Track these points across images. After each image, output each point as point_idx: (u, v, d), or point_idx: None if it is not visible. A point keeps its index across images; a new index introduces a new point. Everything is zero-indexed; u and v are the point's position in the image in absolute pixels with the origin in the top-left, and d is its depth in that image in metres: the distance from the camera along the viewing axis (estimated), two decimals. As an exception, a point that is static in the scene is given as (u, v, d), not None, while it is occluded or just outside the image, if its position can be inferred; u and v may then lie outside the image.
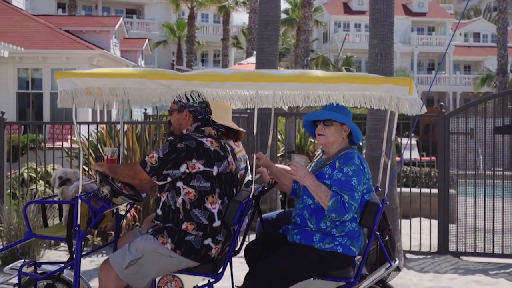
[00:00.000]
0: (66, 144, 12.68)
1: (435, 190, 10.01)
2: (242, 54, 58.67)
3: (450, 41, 8.55)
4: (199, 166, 4.61)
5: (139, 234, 5.10)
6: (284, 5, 40.27)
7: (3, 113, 10.01)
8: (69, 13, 38.93)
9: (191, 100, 4.79)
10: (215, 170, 4.66)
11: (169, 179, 4.65)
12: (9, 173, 10.76)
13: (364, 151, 10.13)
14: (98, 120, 21.73)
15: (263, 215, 5.34)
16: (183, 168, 4.61)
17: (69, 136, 16.09)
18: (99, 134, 11.61)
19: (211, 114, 4.93)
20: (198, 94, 4.77)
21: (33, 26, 24.33)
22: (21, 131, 17.21)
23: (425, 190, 10.32)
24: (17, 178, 11.24)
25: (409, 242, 9.44)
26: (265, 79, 4.63)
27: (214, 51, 58.05)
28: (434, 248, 9.49)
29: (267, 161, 5.21)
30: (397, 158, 16.02)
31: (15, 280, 5.13)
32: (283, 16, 53.16)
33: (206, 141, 4.71)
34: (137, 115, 23.80)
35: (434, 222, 9.57)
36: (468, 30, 63.74)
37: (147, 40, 35.01)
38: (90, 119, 21.02)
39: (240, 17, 70.01)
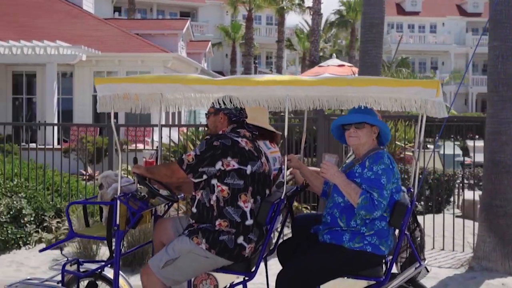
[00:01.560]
0: (147, 146, 13.02)
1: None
2: (295, 55, 58.82)
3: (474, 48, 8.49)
4: (233, 164, 4.77)
5: (178, 221, 5.27)
6: (335, 6, 40.26)
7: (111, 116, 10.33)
8: (128, 16, 39.67)
9: (223, 105, 4.93)
10: (248, 169, 4.81)
11: (204, 176, 4.80)
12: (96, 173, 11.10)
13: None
14: (171, 123, 22.24)
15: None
16: (219, 165, 4.76)
17: (146, 138, 16.52)
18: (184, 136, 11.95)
19: (246, 117, 5.09)
20: (230, 100, 4.88)
21: (106, 30, 25.00)
22: (97, 133, 17.58)
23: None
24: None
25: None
26: (295, 83, 4.78)
27: (267, 53, 58.21)
28: None
29: (298, 163, 5.33)
30: (468, 161, 15.79)
31: (59, 278, 5.36)
32: (335, 17, 53.15)
33: (241, 141, 4.87)
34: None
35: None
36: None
37: (210, 42, 35.46)
38: (163, 122, 21.42)
39: (292, 19, 69.67)
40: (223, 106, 4.96)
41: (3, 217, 9.23)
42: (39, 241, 9.45)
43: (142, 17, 47.74)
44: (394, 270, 4.95)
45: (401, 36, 49.22)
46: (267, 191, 5.00)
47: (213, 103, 5.06)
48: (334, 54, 21.03)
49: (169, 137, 11.01)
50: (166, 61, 23.26)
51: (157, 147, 6.20)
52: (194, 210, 4.92)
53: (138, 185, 5.17)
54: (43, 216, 9.72)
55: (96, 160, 10.74)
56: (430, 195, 11.72)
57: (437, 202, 11.45)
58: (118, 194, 5.00)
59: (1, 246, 9.03)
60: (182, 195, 5.64)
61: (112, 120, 5.12)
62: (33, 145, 12.18)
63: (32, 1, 26.72)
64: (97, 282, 5.47)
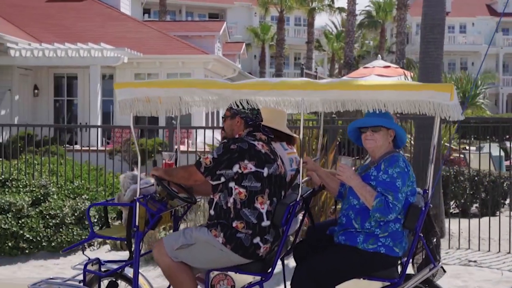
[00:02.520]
0: (183, 148, 13.05)
1: None
2: (323, 56, 58.78)
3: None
4: (250, 166, 4.88)
5: None
6: (360, 6, 40.33)
7: (172, 118, 10.48)
8: (159, 18, 39.88)
9: (241, 107, 5.03)
10: (265, 171, 4.92)
11: (222, 179, 4.91)
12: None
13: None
14: (210, 125, 22.21)
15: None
16: (236, 168, 4.88)
17: (186, 140, 16.59)
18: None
19: (261, 120, 5.20)
20: (247, 102, 5.00)
21: (146, 32, 25.01)
22: (138, 135, 17.57)
23: None
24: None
25: None
26: (310, 87, 4.81)
27: (295, 54, 58.24)
28: None
29: (314, 165, 5.43)
30: (507, 163, 15.73)
31: (81, 277, 5.47)
32: (362, 17, 53.15)
33: (258, 144, 4.98)
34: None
35: None
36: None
37: (244, 44, 35.51)
38: (204, 124, 21.41)
39: (319, 20, 69.05)
40: (240, 109, 5.07)
41: (68, 218, 9.33)
42: (104, 242, 9.53)
43: (171, 19, 47.93)
44: (412, 271, 5.01)
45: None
46: (283, 193, 5.10)
47: (230, 105, 5.14)
48: (379, 55, 20.73)
49: (213, 138, 11.06)
50: (207, 62, 23.22)
51: (176, 148, 6.24)
52: (212, 212, 5.04)
53: (157, 187, 5.26)
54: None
55: (142, 162, 10.78)
56: (486, 197, 11.63)
57: (492, 205, 11.36)
58: (137, 196, 5.11)
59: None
60: (200, 197, 5.75)
61: (132, 123, 5.30)
62: (77, 147, 12.30)
63: (72, 4, 26.93)
64: (118, 282, 5.60)
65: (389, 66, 18.90)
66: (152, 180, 5.37)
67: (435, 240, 5.08)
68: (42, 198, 9.85)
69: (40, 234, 9.15)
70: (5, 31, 21.02)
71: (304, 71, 22.50)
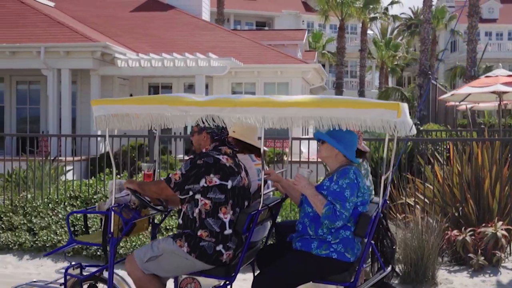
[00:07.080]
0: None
1: None
2: (371, 64, 58.60)
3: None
4: (215, 180, 5.25)
5: None
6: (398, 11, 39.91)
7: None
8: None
9: (207, 124, 5.30)
10: (229, 184, 5.29)
11: (190, 193, 5.29)
12: None
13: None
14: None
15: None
16: (202, 182, 5.24)
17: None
18: None
19: (227, 135, 5.56)
20: (213, 119, 5.24)
21: (238, 41, 24.95)
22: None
23: None
24: None
25: None
26: (269, 104, 5.07)
27: (344, 62, 58.02)
28: None
29: (277, 177, 5.78)
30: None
31: (62, 281, 5.86)
32: (406, 23, 52.86)
33: (222, 158, 5.34)
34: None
35: None
36: None
37: (316, 52, 35.36)
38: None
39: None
40: (206, 125, 5.37)
41: None
42: None
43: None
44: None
45: (486, 44, 48.00)
46: (246, 203, 5.46)
47: (197, 122, 5.40)
48: (500, 64, 20.29)
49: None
50: (306, 72, 22.81)
51: (155, 160, 6.62)
52: (180, 221, 5.44)
53: (131, 196, 5.61)
54: None
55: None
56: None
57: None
58: (112, 204, 5.49)
59: None
60: (173, 207, 6.06)
61: (107, 136, 5.55)
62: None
63: (157, 14, 26.95)
64: (97, 285, 5.99)
65: (512, 75, 18.24)
66: None
67: (390, 246, 5.50)
68: None
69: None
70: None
71: (431, 80, 21.85)
